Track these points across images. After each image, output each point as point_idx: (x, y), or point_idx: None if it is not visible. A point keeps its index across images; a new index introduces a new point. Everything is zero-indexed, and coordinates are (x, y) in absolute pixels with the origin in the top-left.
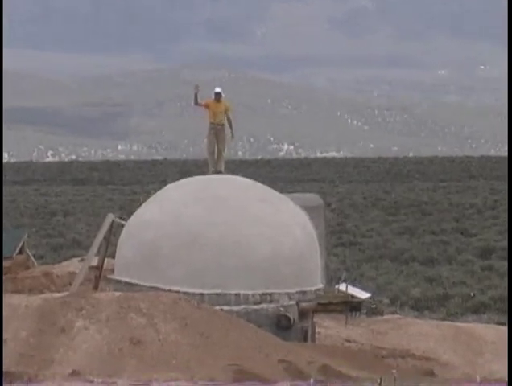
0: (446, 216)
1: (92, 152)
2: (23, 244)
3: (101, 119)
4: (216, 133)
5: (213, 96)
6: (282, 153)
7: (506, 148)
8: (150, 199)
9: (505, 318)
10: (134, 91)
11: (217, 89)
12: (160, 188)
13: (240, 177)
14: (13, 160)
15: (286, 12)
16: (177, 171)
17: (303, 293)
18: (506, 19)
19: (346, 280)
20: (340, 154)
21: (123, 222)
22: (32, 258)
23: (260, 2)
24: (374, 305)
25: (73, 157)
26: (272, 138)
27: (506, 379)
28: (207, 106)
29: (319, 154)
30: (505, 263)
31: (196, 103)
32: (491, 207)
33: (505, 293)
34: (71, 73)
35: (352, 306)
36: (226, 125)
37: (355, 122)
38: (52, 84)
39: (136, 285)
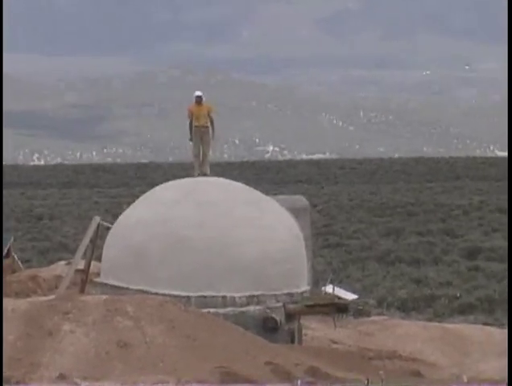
0: (432, 217)
1: (78, 155)
2: (9, 247)
3: (86, 122)
4: (201, 135)
5: (194, 100)
6: (267, 155)
7: (492, 148)
8: (137, 201)
9: (491, 319)
10: (120, 93)
11: (198, 93)
12: (147, 191)
13: (226, 179)
14: None
15: (272, 13)
16: (163, 174)
17: (290, 294)
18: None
19: (333, 281)
20: (326, 156)
21: (109, 225)
22: (18, 262)
23: (246, 3)
24: (361, 307)
25: (59, 160)
26: (257, 140)
27: (494, 378)
28: (191, 113)
29: (304, 156)
30: (492, 264)
31: (191, 134)
32: (477, 208)
33: (492, 294)
34: (55, 76)
35: (338, 308)
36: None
37: (340, 123)
38: (37, 86)
39: (123, 288)
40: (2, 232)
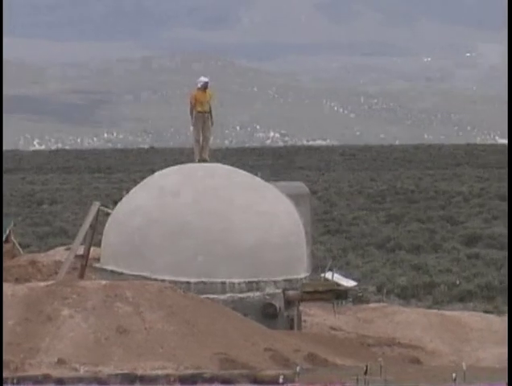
0: (432, 204)
1: (79, 140)
2: (9, 232)
3: (87, 107)
4: (204, 121)
5: (199, 85)
6: (268, 142)
7: (493, 136)
8: (137, 187)
9: (491, 306)
10: (121, 78)
11: (205, 79)
12: (147, 176)
13: (226, 165)
14: None
15: None
16: (163, 159)
17: (290, 281)
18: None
19: (332, 268)
20: (327, 142)
21: (109, 210)
22: (18, 247)
23: None
24: (360, 294)
25: (60, 145)
26: (258, 126)
27: (492, 367)
28: (195, 99)
29: (305, 142)
30: (491, 251)
31: (192, 113)
32: (477, 195)
33: (491, 281)
34: (56, 60)
35: (338, 294)
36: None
37: (341, 110)
38: (37, 71)
39: (122, 273)
40: (1, 220)
